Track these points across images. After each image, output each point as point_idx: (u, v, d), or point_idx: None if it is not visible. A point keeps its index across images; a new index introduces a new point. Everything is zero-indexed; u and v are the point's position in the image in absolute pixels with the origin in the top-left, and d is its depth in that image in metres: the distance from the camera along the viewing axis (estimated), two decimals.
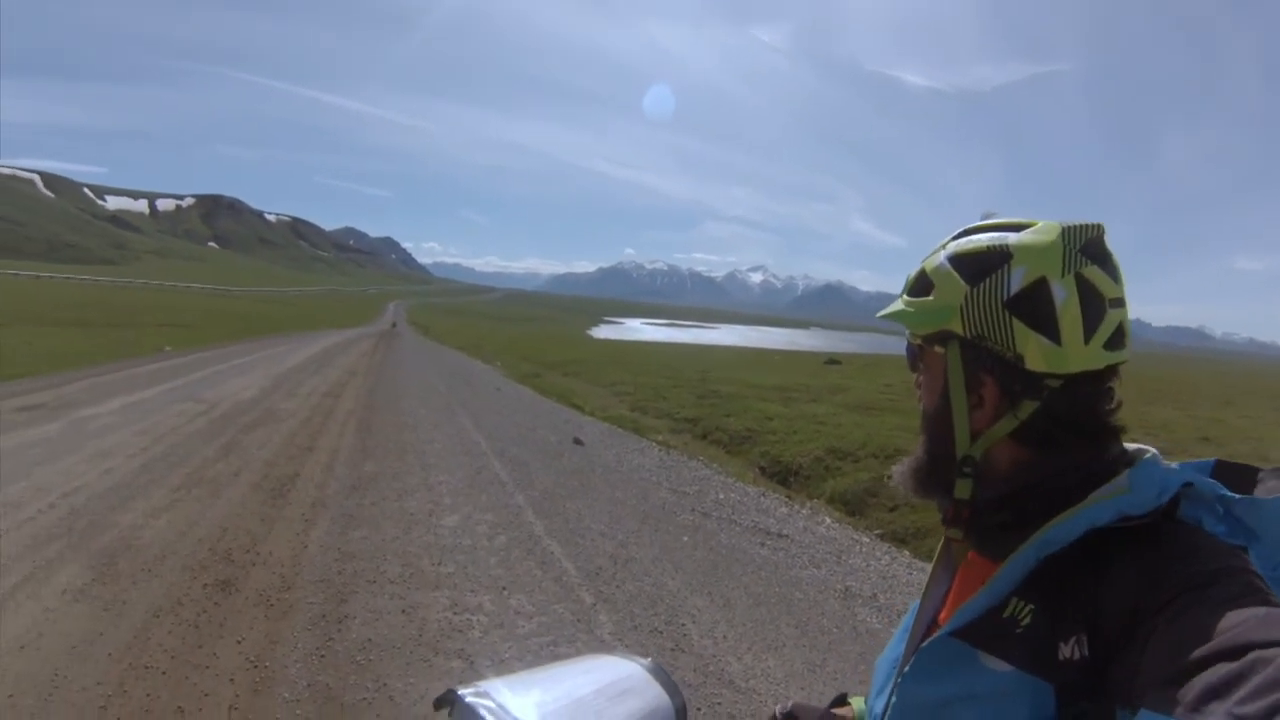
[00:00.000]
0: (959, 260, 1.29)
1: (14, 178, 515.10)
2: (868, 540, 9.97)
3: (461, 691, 1.43)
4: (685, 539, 9.22)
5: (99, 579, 6.62)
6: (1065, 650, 1.07)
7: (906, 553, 9.55)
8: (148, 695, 4.84)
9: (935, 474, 1.35)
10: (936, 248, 1.35)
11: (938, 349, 1.32)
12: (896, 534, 10.24)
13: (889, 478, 1.49)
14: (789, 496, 12.56)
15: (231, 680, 5.11)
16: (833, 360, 51.33)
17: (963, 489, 1.30)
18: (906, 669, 1.27)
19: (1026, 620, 1.13)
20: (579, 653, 5.76)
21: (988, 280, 1.24)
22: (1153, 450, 1.27)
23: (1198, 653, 0.89)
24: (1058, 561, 1.14)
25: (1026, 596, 1.15)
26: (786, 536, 9.70)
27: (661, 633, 6.36)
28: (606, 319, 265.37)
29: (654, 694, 1.49)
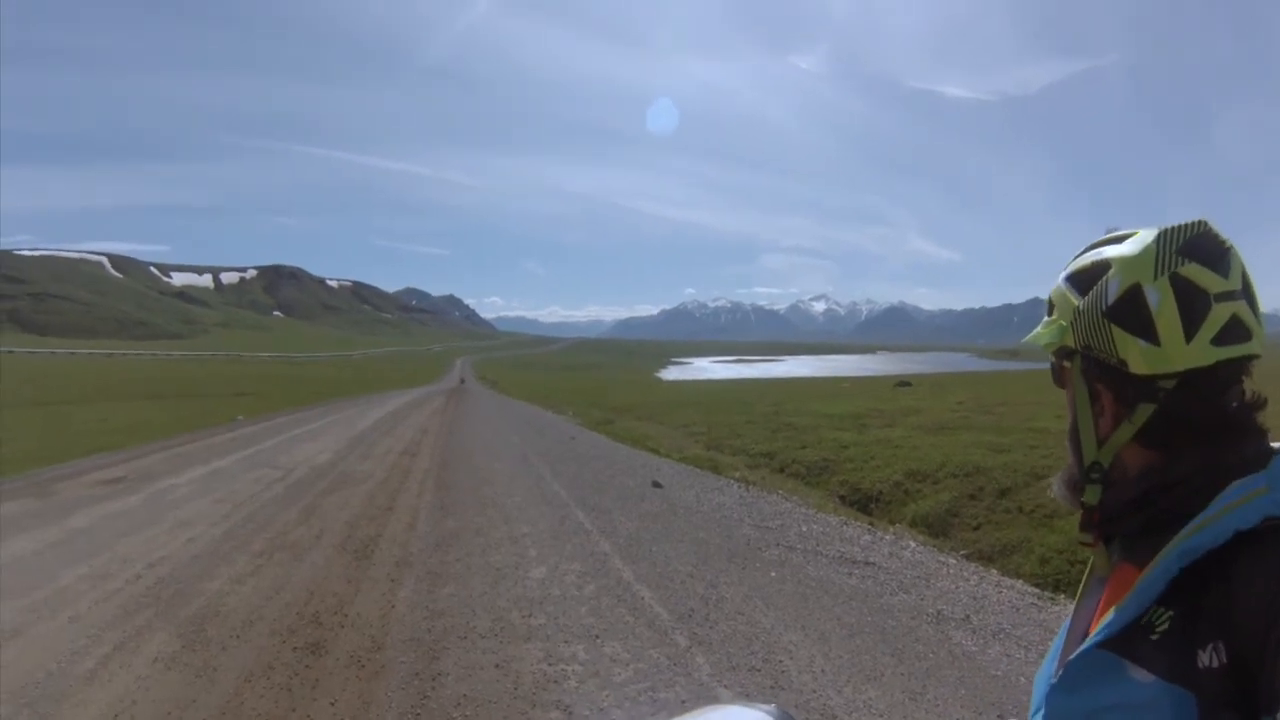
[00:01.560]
0: (1072, 279, 1.36)
1: (84, 261, 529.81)
2: (954, 561, 9.86)
3: None
4: (773, 574, 9.16)
5: (189, 646, 6.74)
6: (1204, 658, 1.08)
7: (994, 571, 9.43)
8: None
9: (1080, 483, 1.37)
10: (1062, 268, 1.42)
11: (1066, 364, 1.39)
12: (983, 553, 10.13)
13: (1049, 490, 1.53)
14: (871, 523, 12.47)
15: None
16: (903, 383, 50.96)
17: (1091, 495, 1.34)
18: (1055, 681, 1.27)
19: (1164, 627, 1.14)
20: (680, 698, 5.76)
21: (1091, 293, 1.30)
22: None
23: None
24: (1196, 565, 1.14)
25: (1165, 603, 1.16)
26: (873, 564, 9.63)
27: (759, 670, 6.30)
28: (674, 360, 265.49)
29: None
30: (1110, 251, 1.31)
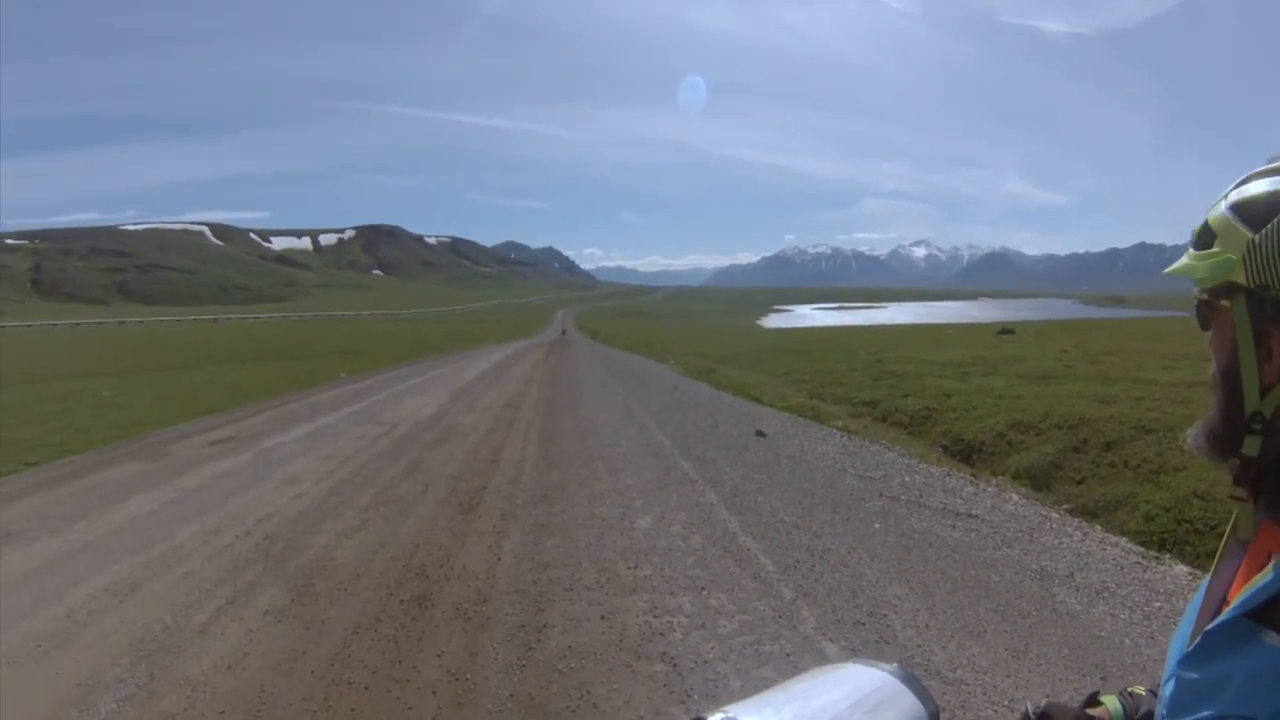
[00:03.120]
0: (1241, 208, 1.21)
1: (185, 231, 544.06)
2: (1057, 516, 9.75)
3: (711, 718, 1.32)
4: (877, 525, 9.21)
5: (298, 599, 7.00)
6: None
7: (1098, 527, 9.28)
8: (352, 710, 5.08)
9: (1229, 434, 1.26)
10: (1219, 197, 1.27)
11: (1224, 303, 1.24)
12: (1087, 508, 9.99)
13: (1184, 443, 1.38)
14: (973, 475, 12.37)
15: (434, 693, 5.30)
16: (1006, 330, 50.09)
17: (1251, 446, 1.22)
18: (1189, 650, 1.19)
19: None
20: (785, 651, 5.84)
21: (1270, 226, 1.16)
22: None
23: None
24: None
25: None
26: (976, 516, 9.60)
27: (865, 625, 6.34)
28: (775, 307, 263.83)
29: (909, 703, 1.45)
30: None
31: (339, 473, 12.41)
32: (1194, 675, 1.16)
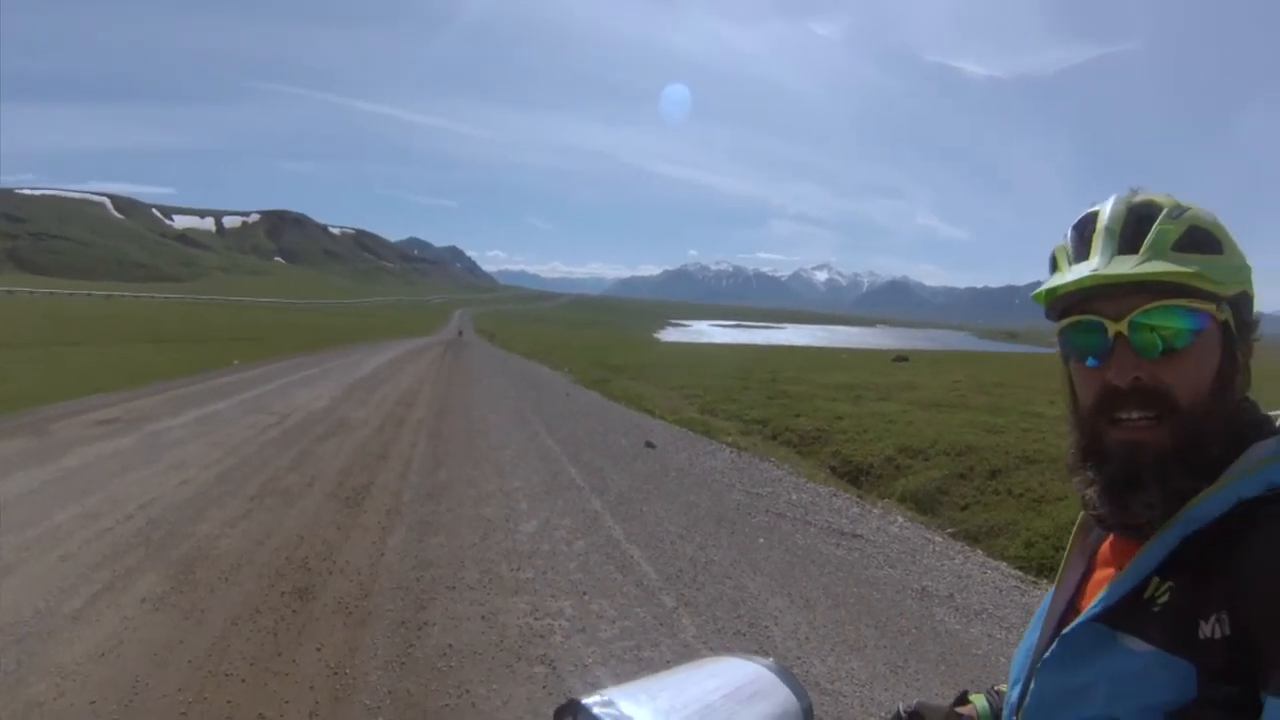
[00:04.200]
0: (1188, 245, 1.19)
1: (85, 201, 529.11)
2: (941, 539, 9.91)
3: (586, 701, 1.33)
4: (762, 540, 9.24)
5: (177, 588, 6.80)
6: (1206, 629, 1.05)
7: (980, 551, 9.46)
8: (228, 702, 4.94)
9: (1205, 455, 1.20)
10: (1164, 217, 1.20)
11: (1220, 316, 1.20)
12: (970, 532, 10.16)
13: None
14: (860, 496, 12.50)
15: (311, 688, 5.20)
16: (901, 357, 50.90)
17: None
18: (1047, 655, 1.24)
19: (1164, 598, 1.12)
20: (664, 657, 5.83)
21: (1215, 246, 1.21)
22: None
23: None
24: (1197, 535, 1.13)
25: (1164, 574, 1.14)
26: (860, 536, 9.69)
27: (745, 635, 6.37)
28: (673, 322, 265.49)
29: (783, 696, 1.44)
30: (1158, 209, 1.22)
31: (227, 460, 12.18)
32: (1056, 680, 1.21)
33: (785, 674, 1.49)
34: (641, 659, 5.80)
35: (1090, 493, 1.25)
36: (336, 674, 5.39)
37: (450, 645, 5.93)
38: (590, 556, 8.23)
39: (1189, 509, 1.14)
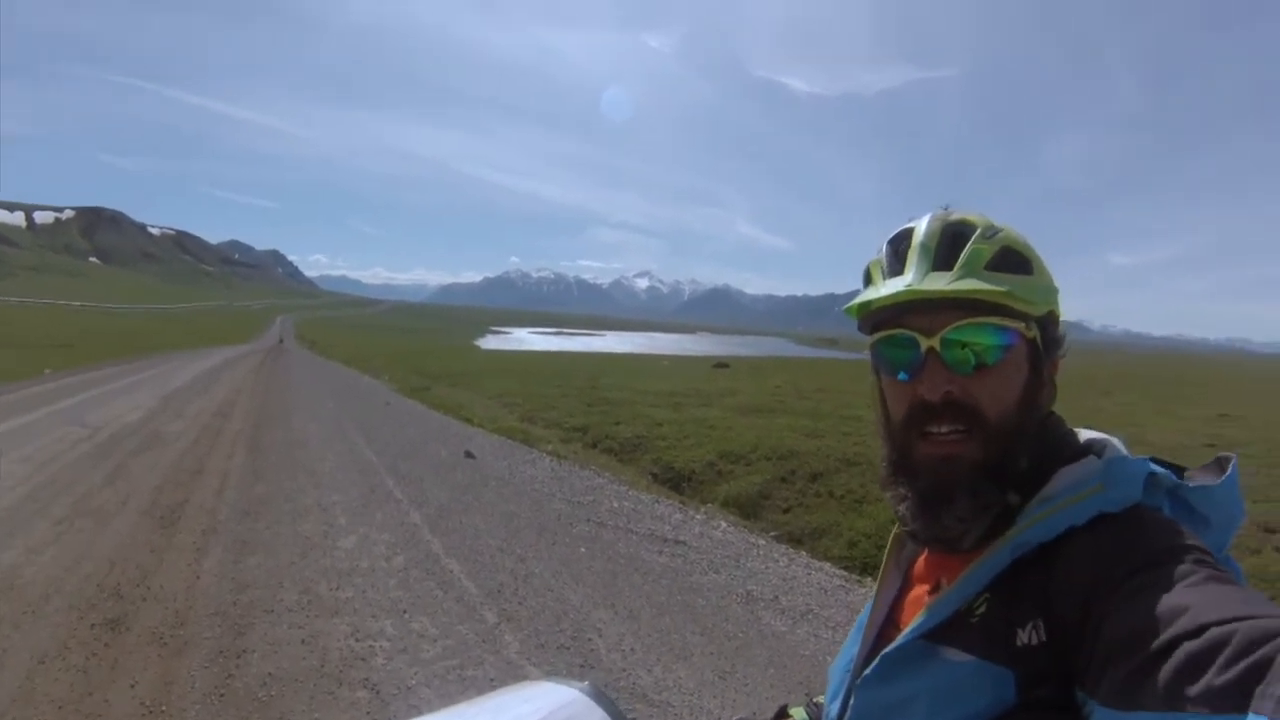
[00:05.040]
0: (1000, 265, 1.23)
1: None
2: (764, 543, 10.06)
3: None
4: (583, 550, 9.21)
5: None
6: (1023, 636, 1.07)
7: (804, 553, 9.67)
8: None
9: (1015, 466, 1.24)
10: (978, 237, 1.24)
11: (1029, 335, 1.24)
12: (793, 535, 10.36)
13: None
14: (682, 502, 12.61)
15: None
16: (721, 364, 51.68)
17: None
18: (867, 673, 1.24)
19: (981, 610, 1.13)
20: (488, 676, 5.73)
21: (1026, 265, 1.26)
22: (1115, 441, 1.29)
23: (1161, 637, 0.88)
24: (1021, 557, 1.14)
25: (985, 590, 1.15)
26: (683, 543, 9.76)
27: (569, 648, 6.32)
28: (494, 329, 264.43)
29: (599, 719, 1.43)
30: (968, 231, 1.25)
31: (35, 478, 11.53)
32: (876, 696, 1.22)
33: (601, 697, 1.46)
34: (466, 678, 5.69)
35: (903, 508, 1.28)
36: (152, 712, 5.11)
37: (270, 673, 5.71)
38: (410, 572, 8.06)
39: (1019, 533, 1.15)
